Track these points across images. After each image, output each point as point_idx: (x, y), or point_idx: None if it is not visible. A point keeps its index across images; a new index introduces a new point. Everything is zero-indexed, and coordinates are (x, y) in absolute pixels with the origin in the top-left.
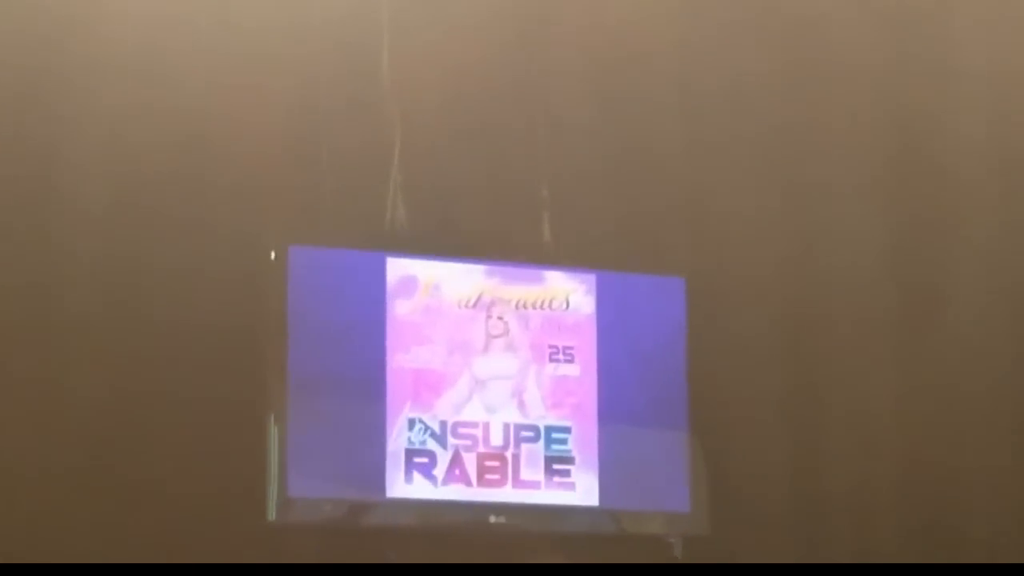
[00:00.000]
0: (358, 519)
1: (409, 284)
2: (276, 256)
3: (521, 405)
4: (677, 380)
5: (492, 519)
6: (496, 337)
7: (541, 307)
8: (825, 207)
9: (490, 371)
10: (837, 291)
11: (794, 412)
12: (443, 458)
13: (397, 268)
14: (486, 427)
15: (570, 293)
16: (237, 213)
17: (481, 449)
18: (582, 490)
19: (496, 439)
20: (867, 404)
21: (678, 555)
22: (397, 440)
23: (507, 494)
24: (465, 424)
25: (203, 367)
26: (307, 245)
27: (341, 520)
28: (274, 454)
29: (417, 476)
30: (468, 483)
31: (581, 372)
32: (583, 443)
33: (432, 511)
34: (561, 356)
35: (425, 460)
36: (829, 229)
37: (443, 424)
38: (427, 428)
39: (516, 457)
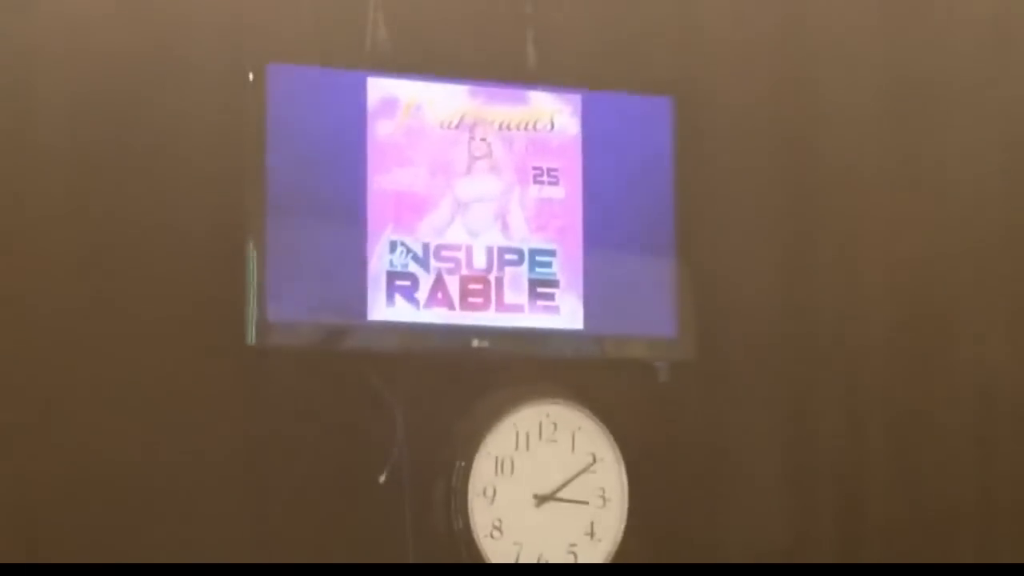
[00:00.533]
0: (339, 342)
1: (390, 105)
2: (254, 76)
3: (504, 227)
4: (664, 202)
5: (475, 343)
6: (479, 159)
7: (525, 128)
8: (822, 23)
9: (473, 193)
10: (831, 110)
11: (784, 236)
12: (425, 281)
13: (378, 88)
14: (469, 250)
15: (555, 114)
16: (215, 32)
17: (464, 272)
18: (566, 313)
19: (479, 262)
20: (860, 224)
21: (664, 379)
22: (378, 263)
23: (490, 317)
24: (448, 247)
25: (181, 190)
26: (286, 63)
27: (321, 343)
28: (253, 278)
29: (399, 299)
30: (451, 306)
31: (566, 194)
32: (568, 266)
33: (414, 334)
34: (545, 178)
35: (407, 283)
36: (827, 48)
37: (425, 247)
38: (409, 251)
39: (499, 280)
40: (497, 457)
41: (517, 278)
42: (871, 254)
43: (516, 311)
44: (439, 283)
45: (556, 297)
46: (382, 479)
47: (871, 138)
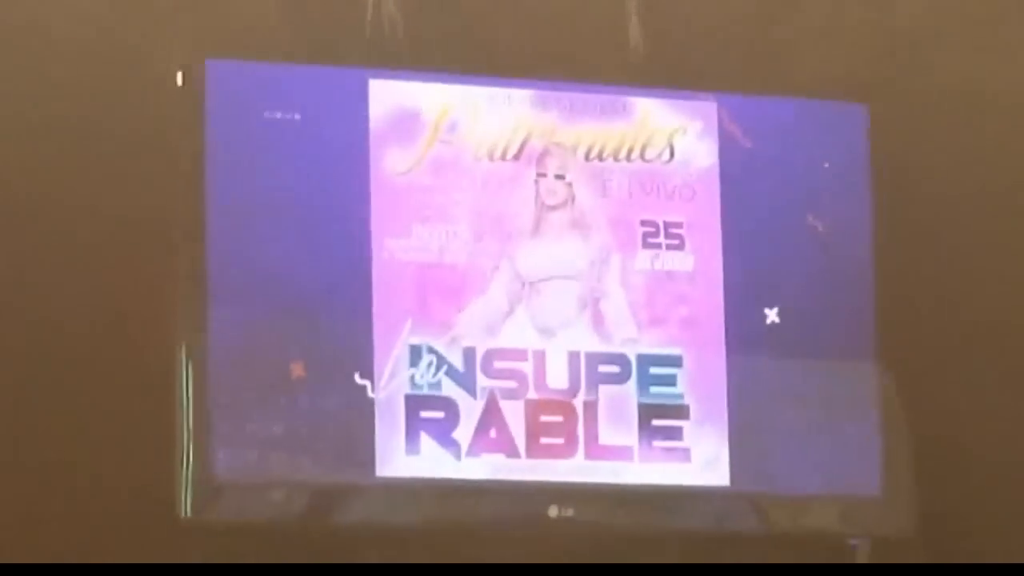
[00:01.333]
0: (327, 514)
1: (407, 121)
2: (185, 76)
3: (597, 321)
4: (858, 274)
5: (553, 511)
6: (553, 209)
7: (628, 158)
8: None
9: (544, 266)
10: None
11: None
12: (470, 411)
13: (387, 94)
14: (540, 359)
15: (675, 133)
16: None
17: (533, 395)
18: (702, 461)
19: (557, 379)
20: None
21: (864, 559)
22: (392, 381)
23: (578, 469)
24: (505, 354)
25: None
26: (229, 58)
27: (299, 516)
28: (188, 407)
29: (427, 440)
30: (513, 452)
31: (697, 265)
32: (702, 383)
33: (453, 499)
34: (663, 239)
35: (439, 414)
36: None
37: (468, 354)
38: (442, 361)
39: (591, 407)
40: None
41: (620, 404)
42: None
43: (619, 457)
44: (492, 414)
45: (685, 434)
46: None
47: None
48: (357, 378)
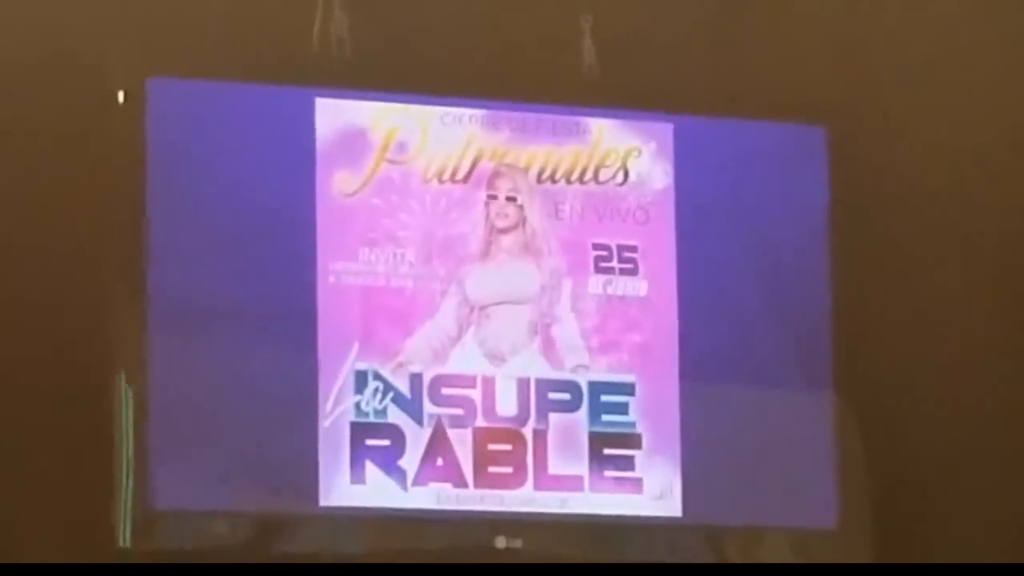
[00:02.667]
0: (270, 545)
1: (355, 141)
2: (126, 95)
3: (548, 347)
4: (812, 301)
5: (501, 542)
6: (504, 232)
7: (581, 179)
8: None
9: (494, 290)
10: None
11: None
12: (416, 439)
13: (334, 114)
14: (489, 385)
15: (629, 155)
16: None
17: (481, 423)
18: (654, 491)
19: (506, 406)
20: None
21: None
22: (337, 407)
23: (526, 499)
24: (453, 380)
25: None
26: (177, 77)
27: (241, 546)
28: (127, 434)
29: (372, 469)
30: (460, 482)
31: (651, 290)
32: (655, 412)
33: (398, 529)
34: (616, 263)
35: (385, 443)
36: None
37: (416, 380)
38: (388, 387)
39: (541, 436)
40: None
41: (570, 432)
42: None
43: (569, 488)
44: (439, 442)
45: (637, 463)
46: None
47: None
48: (301, 405)
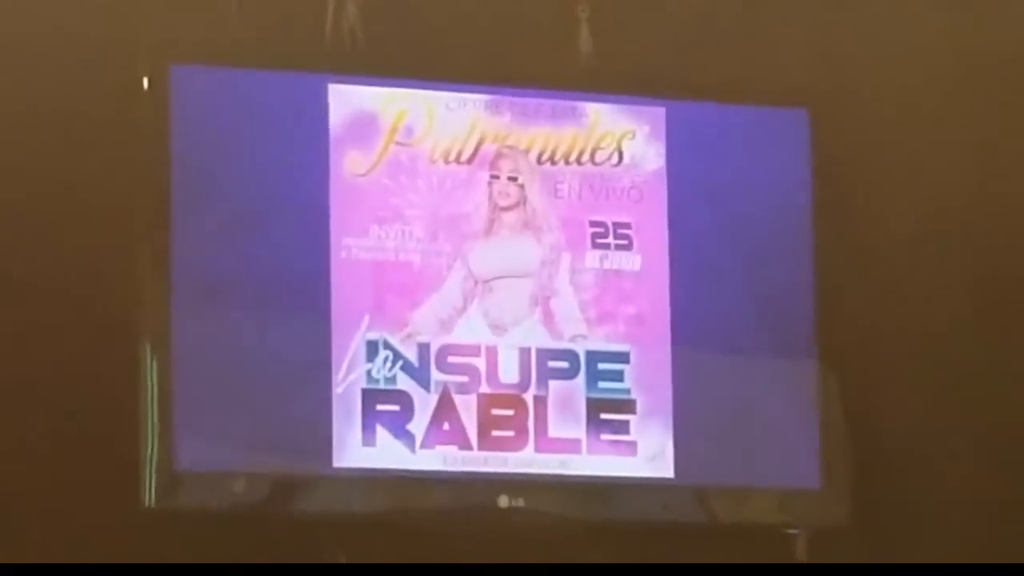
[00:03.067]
0: (286, 503)
1: (365, 125)
2: (151, 82)
3: (548, 318)
4: (795, 274)
5: (504, 501)
6: (506, 210)
7: (578, 161)
8: None
9: (496, 265)
10: None
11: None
12: (424, 404)
13: (346, 99)
14: (492, 354)
15: (624, 138)
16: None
17: (485, 389)
18: (647, 453)
19: (509, 374)
20: None
21: (802, 555)
22: (349, 375)
23: (527, 461)
24: (458, 349)
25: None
26: (199, 64)
27: (259, 505)
28: (151, 401)
29: (382, 433)
30: (465, 445)
31: (644, 264)
32: (649, 379)
33: (407, 489)
34: (612, 239)
35: (395, 408)
36: None
37: (423, 349)
38: (397, 356)
39: (541, 402)
40: None
41: (569, 398)
42: None
43: (568, 450)
44: (446, 408)
45: (632, 427)
46: None
47: None
48: (316, 372)
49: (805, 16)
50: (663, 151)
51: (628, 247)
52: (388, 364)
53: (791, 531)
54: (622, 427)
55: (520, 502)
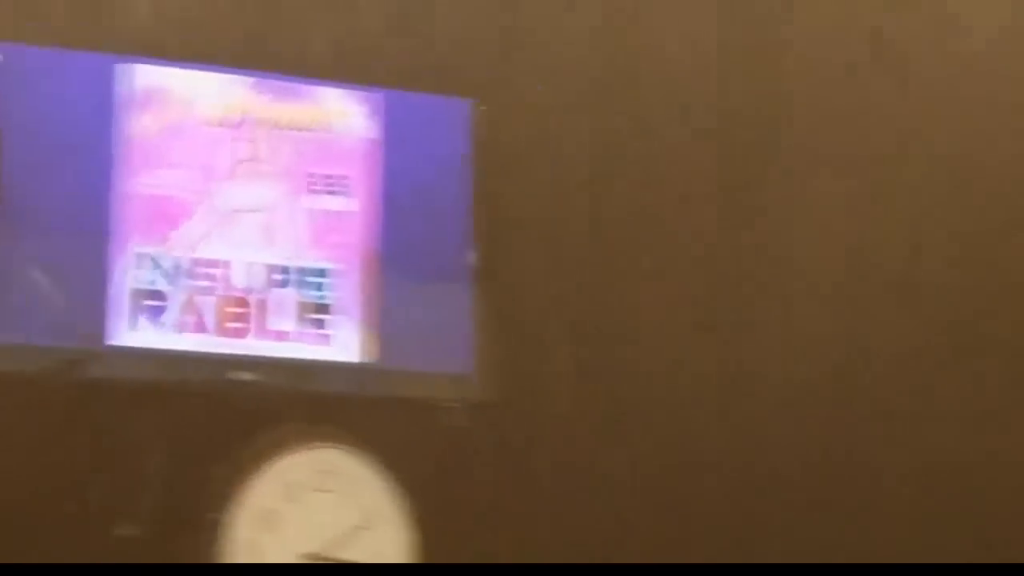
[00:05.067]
0: (70, 371)
1: (153, 96)
2: None
3: (272, 242)
4: (463, 221)
5: (233, 374)
6: (244, 161)
7: (309, 129)
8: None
9: (236, 201)
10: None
11: (595, 257)
12: (176, 301)
13: (136, 76)
14: (227, 267)
15: (345, 114)
16: None
17: (222, 292)
18: (340, 344)
19: (239, 280)
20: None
21: (462, 423)
22: (123, 279)
23: (251, 345)
24: (204, 262)
25: None
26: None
27: (51, 372)
28: None
29: (144, 321)
30: (205, 331)
31: (349, 207)
32: (345, 289)
33: (162, 363)
34: (324, 187)
35: (155, 303)
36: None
37: (177, 261)
38: (158, 266)
39: (263, 302)
40: (261, 510)
41: (284, 301)
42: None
43: (281, 338)
44: (192, 303)
45: (328, 324)
46: (123, 533)
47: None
48: (96, 275)
49: (480, 13)
50: (370, 126)
51: (338, 193)
52: (151, 271)
53: (453, 404)
54: (322, 324)
55: (247, 375)
